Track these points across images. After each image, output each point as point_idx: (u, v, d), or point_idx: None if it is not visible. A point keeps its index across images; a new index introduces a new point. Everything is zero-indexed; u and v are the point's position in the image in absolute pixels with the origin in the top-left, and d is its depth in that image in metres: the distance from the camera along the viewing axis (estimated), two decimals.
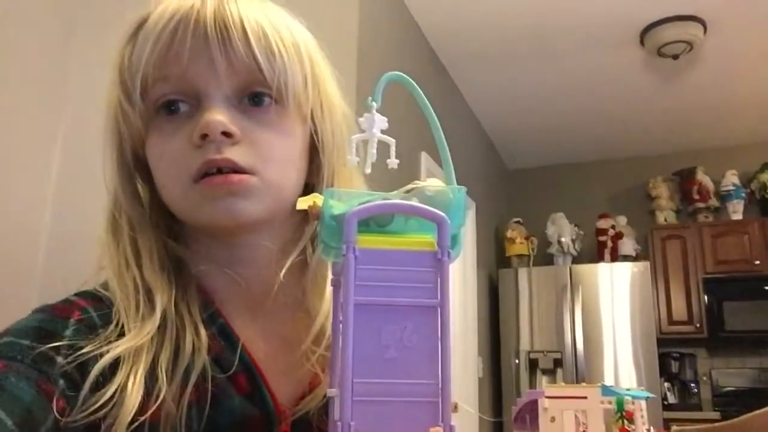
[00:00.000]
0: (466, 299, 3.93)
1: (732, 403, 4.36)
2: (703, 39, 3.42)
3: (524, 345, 4.43)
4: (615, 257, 4.70)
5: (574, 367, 4.28)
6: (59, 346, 0.52)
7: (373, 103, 0.47)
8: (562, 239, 4.79)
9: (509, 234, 4.78)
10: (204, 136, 0.56)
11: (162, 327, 0.56)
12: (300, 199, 0.46)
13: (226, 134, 0.56)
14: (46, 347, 0.51)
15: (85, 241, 0.66)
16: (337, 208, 0.42)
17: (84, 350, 0.52)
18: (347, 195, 0.43)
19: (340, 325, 0.39)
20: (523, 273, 4.59)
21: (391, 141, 0.48)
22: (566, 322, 4.37)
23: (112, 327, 0.55)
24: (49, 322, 0.54)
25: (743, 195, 4.70)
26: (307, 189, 0.64)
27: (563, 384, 1.03)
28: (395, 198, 0.43)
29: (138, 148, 0.62)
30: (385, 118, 0.47)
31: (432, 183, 0.45)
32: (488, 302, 4.47)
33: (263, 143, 0.59)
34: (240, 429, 0.57)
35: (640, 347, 4.25)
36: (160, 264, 0.60)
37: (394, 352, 0.38)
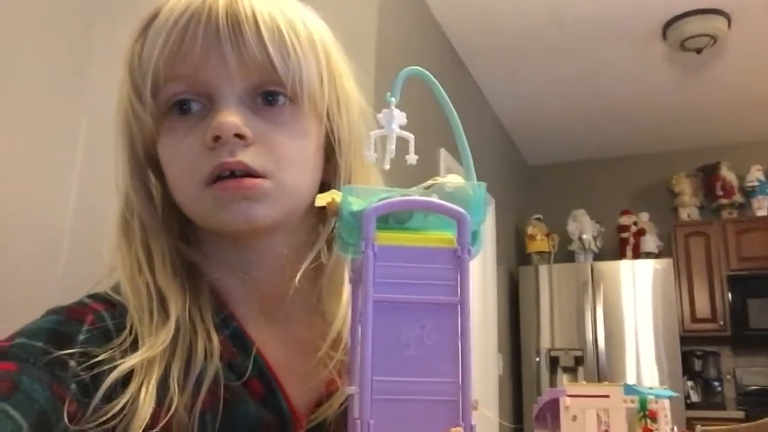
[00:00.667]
0: (486, 296, 3.92)
1: (757, 402, 4.30)
2: (727, 33, 3.37)
3: (545, 343, 4.40)
4: (637, 254, 4.66)
5: (595, 365, 4.25)
6: (72, 352, 0.51)
7: (392, 99, 0.47)
8: (584, 236, 4.75)
9: (530, 231, 4.75)
10: (217, 138, 0.55)
11: (175, 335, 0.55)
12: (318, 195, 0.45)
13: (239, 136, 0.55)
14: (60, 353, 0.50)
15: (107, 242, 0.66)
16: (356, 204, 0.42)
17: (98, 358, 0.51)
18: (366, 191, 0.43)
19: (359, 323, 0.38)
20: (543, 270, 4.56)
21: (410, 137, 0.47)
22: (587, 319, 4.34)
23: (125, 333, 0.55)
24: (62, 324, 0.53)
25: None
26: (323, 188, 0.62)
27: (585, 382, 1.02)
28: (414, 194, 0.42)
29: (150, 147, 0.61)
30: (404, 114, 0.47)
31: (451, 179, 0.44)
32: (508, 299, 4.45)
33: (277, 145, 0.57)
34: None
35: (663, 345, 4.20)
36: (172, 269, 0.59)
37: (413, 350, 0.38)
